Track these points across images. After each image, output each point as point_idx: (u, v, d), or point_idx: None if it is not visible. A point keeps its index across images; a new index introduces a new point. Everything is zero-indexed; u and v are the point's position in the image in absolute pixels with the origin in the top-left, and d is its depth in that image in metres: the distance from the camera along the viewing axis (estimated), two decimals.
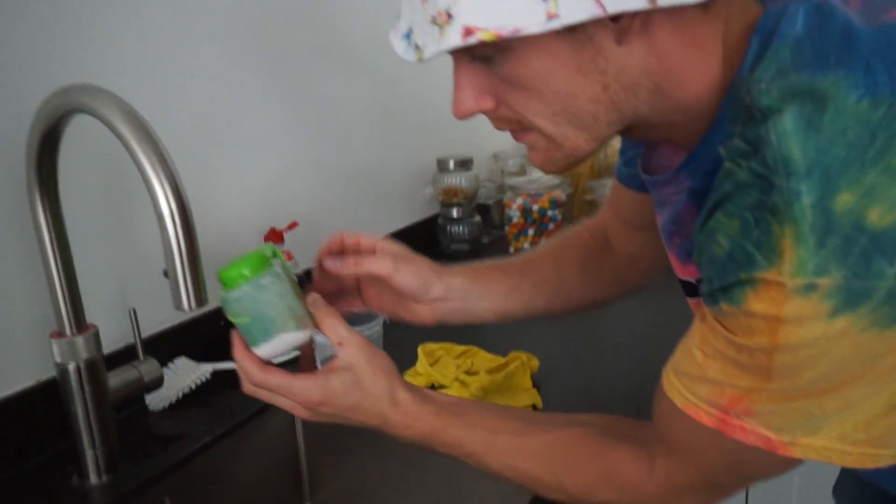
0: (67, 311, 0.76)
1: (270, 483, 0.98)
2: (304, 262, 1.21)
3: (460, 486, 0.94)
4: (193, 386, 0.97)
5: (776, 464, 0.55)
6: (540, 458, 0.64)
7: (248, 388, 0.65)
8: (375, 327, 0.99)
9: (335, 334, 0.64)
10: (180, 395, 0.95)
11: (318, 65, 1.26)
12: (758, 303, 0.46)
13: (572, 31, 0.49)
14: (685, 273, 0.66)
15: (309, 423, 0.68)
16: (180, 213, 0.61)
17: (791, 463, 0.54)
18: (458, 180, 1.56)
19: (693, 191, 0.57)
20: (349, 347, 0.63)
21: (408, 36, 0.54)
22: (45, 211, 0.73)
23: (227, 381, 0.99)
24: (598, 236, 0.89)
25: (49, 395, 0.84)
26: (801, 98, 0.45)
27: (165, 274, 0.60)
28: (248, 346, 0.63)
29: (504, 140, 1.92)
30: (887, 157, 0.43)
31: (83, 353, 0.77)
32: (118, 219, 0.93)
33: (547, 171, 0.62)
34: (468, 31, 0.48)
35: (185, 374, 0.96)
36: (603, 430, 0.66)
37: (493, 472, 0.66)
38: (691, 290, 0.66)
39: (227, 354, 1.02)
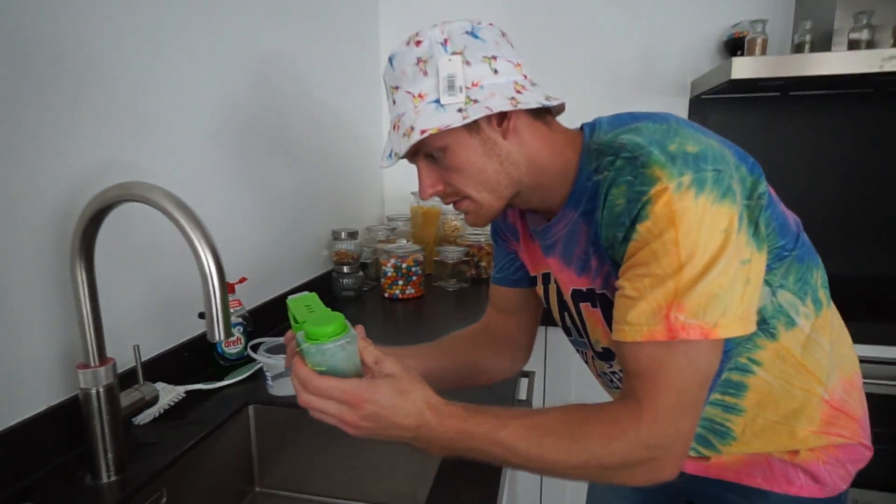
0: (93, 348, 0.75)
1: (231, 473, 0.98)
2: (249, 305, 1.23)
3: (381, 463, 0.99)
4: (171, 403, 0.95)
5: (713, 351, 0.58)
6: (558, 428, 0.59)
7: (304, 398, 0.59)
8: None
9: (372, 356, 0.61)
10: (161, 411, 0.93)
11: (266, 161, 1.29)
12: (658, 207, 0.56)
13: (478, 134, 0.65)
14: (579, 283, 0.71)
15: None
16: (218, 272, 0.64)
17: (719, 347, 0.58)
18: (347, 246, 1.63)
19: (582, 213, 0.67)
20: (386, 363, 0.60)
21: (390, 155, 0.67)
22: (82, 271, 0.72)
23: (198, 400, 0.99)
24: (480, 333, 0.92)
25: (63, 413, 0.81)
26: (624, 132, 0.63)
27: (201, 315, 0.62)
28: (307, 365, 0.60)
29: (374, 217, 2.03)
30: (677, 135, 0.60)
31: (104, 381, 0.76)
32: (122, 279, 0.91)
33: (479, 225, 0.72)
34: (423, 131, 0.62)
35: (163, 395, 0.95)
36: (589, 404, 0.65)
37: (521, 457, 0.58)
38: (582, 296, 0.72)
39: (195, 378, 1.04)
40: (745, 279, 0.59)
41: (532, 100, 0.65)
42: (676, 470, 0.58)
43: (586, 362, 0.85)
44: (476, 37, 0.65)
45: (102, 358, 0.76)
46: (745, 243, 0.60)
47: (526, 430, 0.58)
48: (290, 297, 0.67)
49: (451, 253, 1.75)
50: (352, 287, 1.64)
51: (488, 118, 0.65)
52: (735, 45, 1.71)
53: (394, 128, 0.67)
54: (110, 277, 0.89)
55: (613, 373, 0.77)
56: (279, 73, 1.38)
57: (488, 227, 1.84)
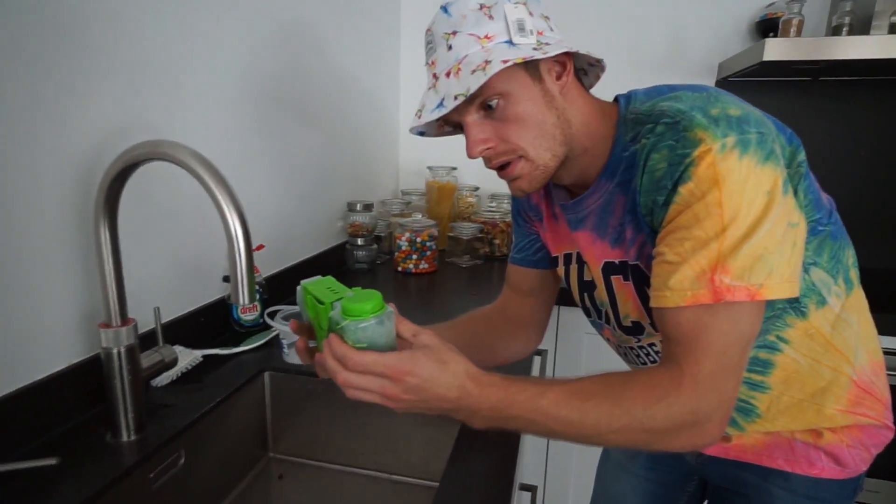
0: (115, 308, 0.75)
1: (246, 438, 0.99)
2: (265, 272, 1.23)
3: (394, 434, 0.99)
4: (189, 367, 0.95)
5: (757, 314, 0.58)
6: (598, 391, 0.57)
7: (343, 376, 0.56)
8: None
9: (409, 329, 0.59)
10: (179, 373, 0.93)
11: (285, 128, 1.28)
12: (702, 168, 0.56)
13: (541, 84, 0.65)
14: (611, 255, 0.70)
15: (347, 400, 0.56)
16: (244, 236, 0.63)
17: (762, 309, 0.58)
18: (362, 218, 1.62)
19: (618, 183, 0.66)
20: (423, 335, 0.59)
21: (440, 105, 0.63)
22: (105, 230, 0.72)
23: (214, 364, 1.00)
24: (496, 313, 0.91)
25: (83, 372, 0.81)
26: (662, 100, 0.63)
27: (226, 279, 0.62)
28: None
29: (388, 190, 2.02)
30: (718, 101, 0.60)
31: (125, 341, 0.76)
32: (143, 242, 0.91)
33: (527, 191, 0.69)
34: (505, 61, 0.60)
35: (181, 358, 0.95)
36: (628, 371, 0.64)
37: (562, 423, 0.56)
38: (614, 269, 0.71)
39: (212, 343, 1.04)
40: (793, 242, 0.58)
41: (586, 56, 0.66)
42: (719, 435, 0.57)
43: (608, 340, 0.84)
44: None
45: (124, 318, 0.76)
46: (793, 206, 0.59)
47: (567, 396, 0.57)
48: (303, 282, 0.64)
49: (466, 229, 1.74)
50: (365, 260, 1.63)
51: (548, 68, 0.65)
52: (768, 27, 1.67)
53: (448, 75, 0.63)
54: (131, 239, 0.88)
55: (641, 347, 0.77)
56: (302, 39, 1.36)
57: (502, 206, 1.86)
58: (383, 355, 0.55)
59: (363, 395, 0.56)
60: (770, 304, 0.65)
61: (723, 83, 1.81)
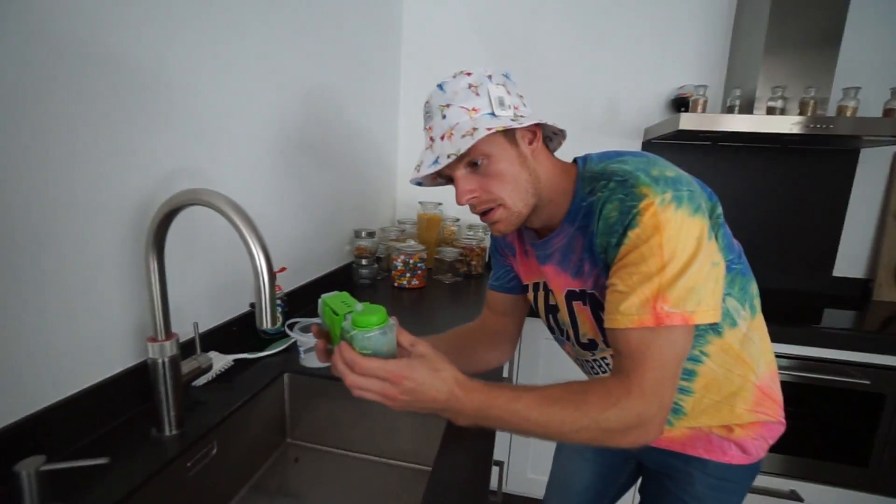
0: (160, 325, 0.72)
1: (268, 428, 0.95)
2: (286, 289, 1.20)
3: (389, 425, 0.97)
4: (222, 370, 0.92)
5: (688, 336, 0.58)
6: (563, 397, 0.57)
7: (351, 378, 0.55)
8: None
9: (408, 339, 0.58)
10: (214, 375, 0.90)
11: (305, 170, 1.25)
12: (646, 217, 0.57)
13: (516, 147, 0.65)
14: (573, 285, 0.70)
15: (351, 393, 0.55)
16: (268, 270, 0.61)
17: (692, 332, 0.58)
18: (366, 242, 1.60)
19: (577, 227, 0.67)
20: (420, 346, 0.58)
21: (436, 161, 0.63)
22: (154, 261, 0.69)
23: (243, 367, 0.96)
24: (478, 329, 0.90)
25: (134, 376, 0.78)
26: (612, 163, 0.64)
27: (252, 305, 0.59)
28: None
29: (387, 219, 1.99)
30: (656, 165, 0.61)
31: (168, 352, 0.73)
32: (186, 266, 0.88)
33: (504, 233, 0.69)
34: (489, 129, 0.61)
35: (216, 362, 0.91)
36: (586, 380, 0.63)
37: (532, 423, 0.56)
38: (575, 296, 0.70)
39: (241, 348, 1.01)
40: (715, 278, 0.59)
41: (551, 127, 0.68)
42: (659, 433, 0.57)
43: (568, 353, 0.83)
44: (509, 79, 0.67)
45: (168, 333, 0.73)
46: (716, 249, 0.60)
47: (537, 400, 0.56)
48: (324, 295, 0.63)
49: (449, 253, 1.72)
50: (368, 276, 1.61)
51: (522, 135, 0.66)
52: (680, 103, 1.70)
53: (442, 138, 0.64)
54: (176, 264, 0.86)
55: (595, 360, 0.76)
56: (322, 100, 1.35)
57: (478, 234, 1.85)
58: (385, 362, 0.54)
59: (366, 395, 0.55)
60: (696, 326, 0.64)
61: (647, 144, 1.83)
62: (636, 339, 0.57)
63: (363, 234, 1.59)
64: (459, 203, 0.66)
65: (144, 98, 0.77)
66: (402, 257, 1.59)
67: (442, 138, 0.64)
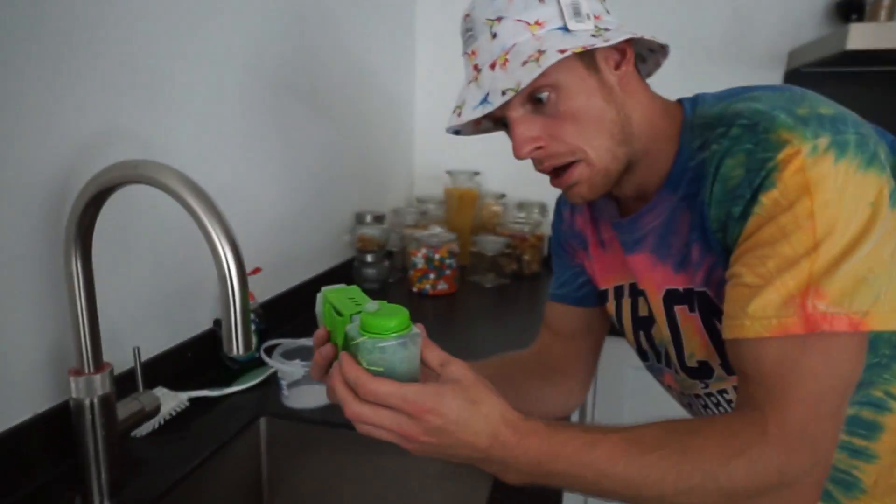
0: (87, 352, 0.72)
1: (239, 496, 0.95)
2: (262, 297, 1.20)
3: (410, 493, 0.95)
4: (174, 413, 0.92)
5: (858, 351, 0.54)
6: (663, 442, 0.54)
7: (353, 409, 0.53)
8: None
9: (437, 356, 0.56)
10: (162, 421, 0.90)
11: (292, 128, 1.25)
12: (788, 173, 0.53)
13: (597, 74, 0.63)
14: (675, 282, 0.68)
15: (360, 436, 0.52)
16: (239, 274, 0.60)
17: (864, 346, 0.54)
18: (372, 231, 1.59)
19: (682, 197, 0.65)
20: (454, 367, 0.55)
21: (485, 100, 0.62)
22: (77, 261, 0.69)
23: (203, 409, 0.96)
24: (533, 359, 0.89)
25: (50, 423, 0.78)
26: (736, 101, 0.61)
27: (217, 323, 0.59)
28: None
29: (401, 198, 1.99)
30: (805, 100, 0.58)
31: (99, 390, 0.72)
32: (121, 267, 0.88)
33: (588, 199, 0.68)
34: (562, 51, 0.58)
35: (165, 403, 0.91)
36: (697, 418, 0.62)
37: (617, 480, 0.53)
38: (678, 298, 0.69)
39: (200, 382, 1.01)
40: None
41: (645, 41, 0.66)
42: (812, 502, 0.54)
43: (669, 388, 0.81)
44: None
45: (98, 363, 0.73)
46: None
47: (624, 447, 0.53)
48: (325, 288, 0.63)
49: (490, 244, 1.70)
50: (376, 278, 1.60)
51: (607, 57, 0.64)
52: (849, 8, 1.60)
53: (493, 66, 0.62)
54: (107, 265, 0.86)
55: (710, 395, 0.73)
56: (310, 23, 1.33)
57: (532, 216, 1.82)
58: (403, 386, 0.51)
59: (375, 432, 0.53)
60: (873, 347, 0.61)
61: (793, 75, 1.74)
62: (774, 356, 0.54)
63: (368, 218, 1.58)
64: (518, 156, 0.64)
65: (55, 27, 0.76)
66: (424, 251, 1.58)
67: (493, 67, 0.63)
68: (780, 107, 0.57)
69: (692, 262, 0.65)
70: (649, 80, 0.72)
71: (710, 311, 0.65)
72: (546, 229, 1.82)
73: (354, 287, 0.63)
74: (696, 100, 0.67)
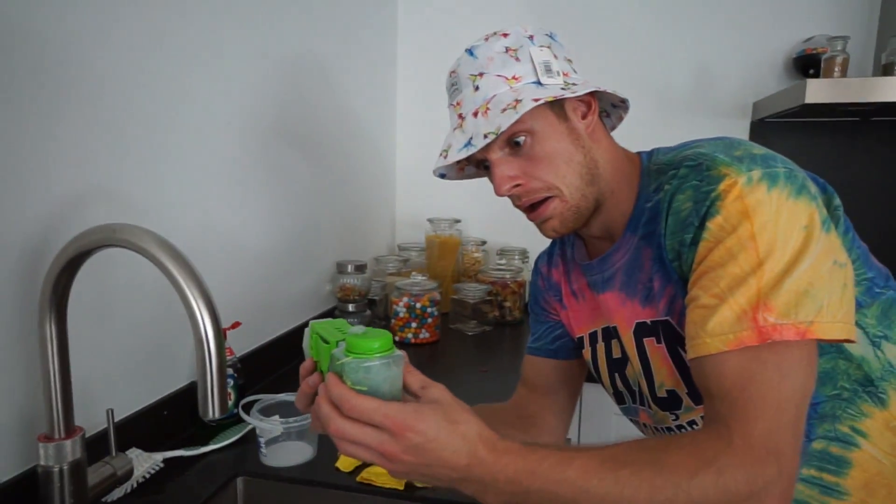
0: (59, 417, 0.70)
1: None
2: (240, 350, 1.18)
3: None
4: (148, 475, 0.89)
5: (809, 361, 0.58)
6: (635, 458, 0.55)
7: (337, 425, 0.54)
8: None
9: (418, 380, 0.58)
10: (135, 484, 0.87)
11: (273, 174, 1.26)
12: (729, 201, 0.59)
13: (567, 122, 0.71)
14: (644, 315, 0.73)
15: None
16: (216, 338, 0.60)
17: (814, 358, 0.58)
18: (353, 280, 1.59)
19: (643, 236, 0.71)
20: (434, 389, 0.57)
21: (468, 143, 0.69)
22: (52, 325, 0.68)
23: (178, 469, 0.94)
24: (510, 411, 0.91)
25: (16, 491, 0.75)
26: (684, 149, 0.69)
27: (194, 384, 0.58)
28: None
29: (383, 245, 1.99)
30: (741, 145, 0.65)
31: (69, 456, 0.71)
32: (93, 326, 0.87)
33: (560, 233, 0.73)
34: (536, 100, 0.66)
35: (138, 465, 0.89)
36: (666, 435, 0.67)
37: (593, 496, 0.54)
38: (647, 331, 0.73)
39: (175, 442, 0.99)
40: (842, 283, 0.59)
41: (609, 97, 0.74)
42: None
43: (645, 426, 0.83)
44: (554, 39, 0.74)
45: (70, 428, 0.72)
46: (839, 245, 0.61)
47: (598, 464, 0.54)
48: (313, 322, 0.66)
49: (472, 291, 1.71)
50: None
51: (574, 107, 0.72)
52: (807, 63, 1.68)
53: (476, 114, 0.70)
54: (81, 323, 0.84)
55: (681, 427, 0.75)
56: (299, 75, 1.36)
57: (513, 262, 1.83)
58: (385, 404, 0.54)
59: (357, 451, 0.54)
60: (831, 379, 0.65)
61: (759, 125, 1.81)
62: (734, 369, 0.57)
63: (350, 267, 1.58)
64: (499, 193, 0.71)
65: (29, 81, 0.77)
66: (406, 299, 1.58)
67: (475, 114, 0.70)
68: (719, 150, 0.64)
69: (655, 294, 0.70)
70: (623, 132, 0.80)
71: (674, 339, 0.69)
72: (527, 275, 1.83)
73: (342, 320, 0.66)
74: (651, 152, 0.75)
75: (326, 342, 0.61)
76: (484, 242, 1.95)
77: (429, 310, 1.59)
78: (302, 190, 1.46)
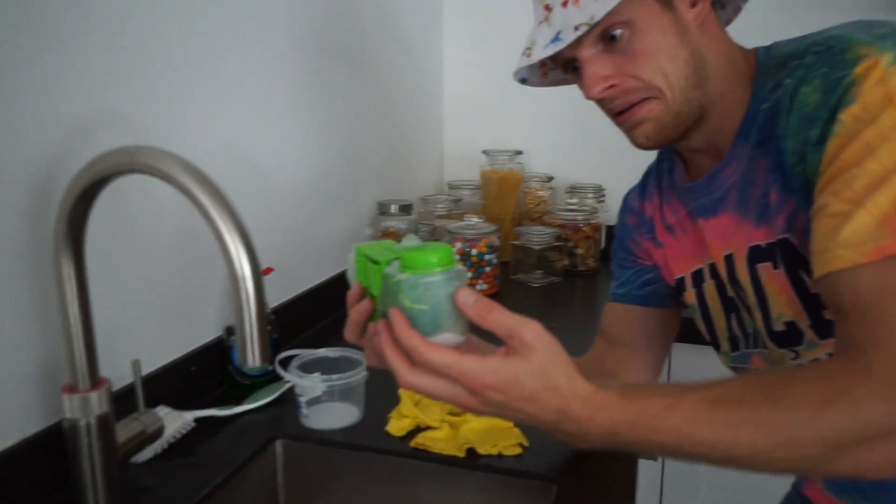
0: (83, 366, 0.74)
1: None
2: (273, 302, 1.22)
3: None
4: (178, 435, 0.94)
5: None
6: (751, 395, 0.56)
7: (407, 379, 0.56)
8: (361, 373, 1.00)
9: (503, 327, 0.56)
10: (166, 445, 0.92)
11: (304, 104, 1.28)
12: (868, 86, 0.58)
13: (672, 12, 0.70)
14: (757, 237, 0.73)
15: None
16: (254, 277, 0.61)
17: None
18: (398, 223, 1.60)
19: (756, 143, 0.71)
20: (526, 330, 0.56)
21: (556, 38, 0.70)
22: (69, 263, 0.71)
23: (211, 430, 0.99)
24: (591, 363, 0.93)
25: (41, 448, 0.80)
26: (812, 35, 0.68)
27: (229, 331, 0.60)
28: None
29: (430, 183, 2.00)
30: (885, 24, 0.64)
31: (96, 410, 0.74)
32: (116, 270, 0.90)
33: (653, 140, 0.74)
34: None
35: (168, 424, 0.93)
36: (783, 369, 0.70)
37: (702, 444, 0.55)
38: (761, 255, 0.74)
39: (207, 400, 1.03)
40: None
41: None
42: None
43: (758, 369, 0.83)
44: None
45: (95, 379, 0.75)
46: None
47: (707, 407, 0.55)
48: (356, 245, 0.68)
49: (537, 235, 1.71)
50: None
51: None
52: None
53: (564, 4, 0.70)
54: (100, 268, 0.87)
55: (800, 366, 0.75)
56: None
57: (586, 201, 1.81)
58: (463, 358, 0.55)
59: (428, 394, 0.58)
60: None
61: None
62: (873, 284, 0.56)
63: (393, 208, 1.60)
64: (589, 95, 0.72)
65: None
66: (459, 245, 1.59)
67: (565, 4, 0.70)
68: (857, 30, 0.63)
69: (772, 209, 0.70)
70: (739, 28, 0.79)
71: (795, 262, 0.70)
72: (603, 217, 1.81)
73: (389, 241, 0.67)
74: (770, 46, 0.74)
75: (376, 262, 0.62)
76: (550, 178, 1.93)
77: (486, 257, 1.59)
78: (337, 116, 1.46)
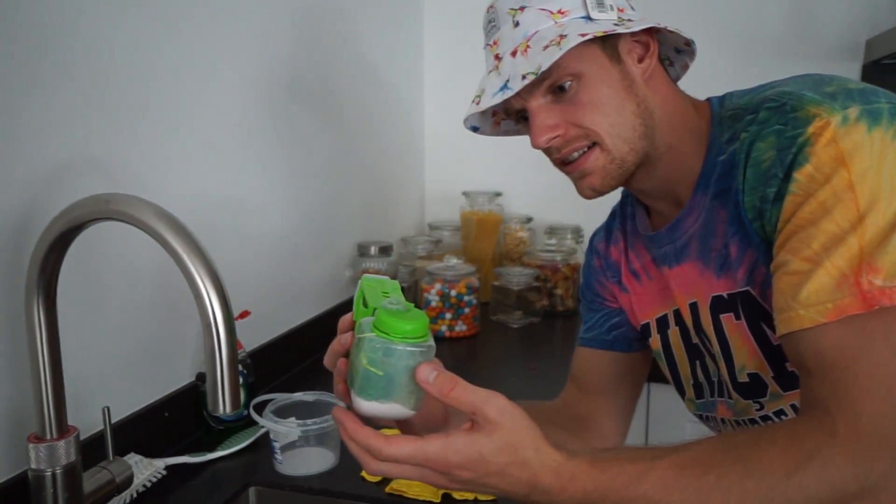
0: (50, 415, 0.73)
1: None
2: (250, 346, 1.21)
3: None
4: (148, 484, 0.92)
5: None
6: (721, 459, 0.56)
7: (373, 466, 0.56)
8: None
9: (468, 403, 0.56)
10: (135, 494, 0.90)
11: (287, 145, 1.29)
12: (820, 146, 0.59)
13: (619, 66, 0.71)
14: (719, 287, 0.74)
15: None
16: (226, 324, 0.61)
17: None
18: (378, 265, 1.60)
19: (715, 195, 0.71)
20: (490, 407, 0.56)
21: (504, 87, 0.70)
22: (40, 310, 0.70)
23: (182, 477, 0.97)
24: (558, 411, 0.93)
25: (4, 499, 0.79)
26: (764, 90, 0.69)
27: (200, 378, 0.60)
28: (356, 406, 0.58)
29: (412, 224, 2.01)
30: (833, 81, 0.65)
31: (63, 459, 0.73)
32: (87, 315, 0.90)
33: (599, 190, 0.74)
34: (583, 35, 0.66)
35: (137, 473, 0.92)
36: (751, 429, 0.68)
37: None
38: (724, 306, 0.74)
39: (179, 447, 1.01)
40: None
41: (672, 39, 0.74)
42: None
43: (723, 422, 0.83)
44: None
45: (62, 428, 0.74)
46: None
47: (676, 473, 0.56)
48: (365, 276, 0.67)
49: (516, 276, 1.71)
50: None
51: (630, 48, 0.72)
52: None
53: (514, 53, 0.71)
54: (72, 313, 0.87)
55: (766, 418, 0.76)
56: (304, 31, 1.37)
57: (564, 242, 1.82)
58: (425, 443, 0.55)
59: (399, 477, 0.62)
60: None
61: (873, 68, 1.73)
62: (835, 344, 0.57)
63: (373, 249, 1.61)
64: (535, 144, 0.72)
65: (8, 38, 0.79)
66: (439, 286, 1.59)
67: (514, 54, 0.71)
68: (807, 87, 0.64)
69: (732, 261, 0.70)
70: (696, 83, 0.79)
71: (757, 314, 0.70)
72: (581, 258, 1.82)
73: (395, 283, 0.66)
74: (724, 96, 0.75)
75: (366, 305, 0.60)
76: (530, 219, 1.95)
77: (465, 298, 1.59)
78: (318, 158, 1.47)
